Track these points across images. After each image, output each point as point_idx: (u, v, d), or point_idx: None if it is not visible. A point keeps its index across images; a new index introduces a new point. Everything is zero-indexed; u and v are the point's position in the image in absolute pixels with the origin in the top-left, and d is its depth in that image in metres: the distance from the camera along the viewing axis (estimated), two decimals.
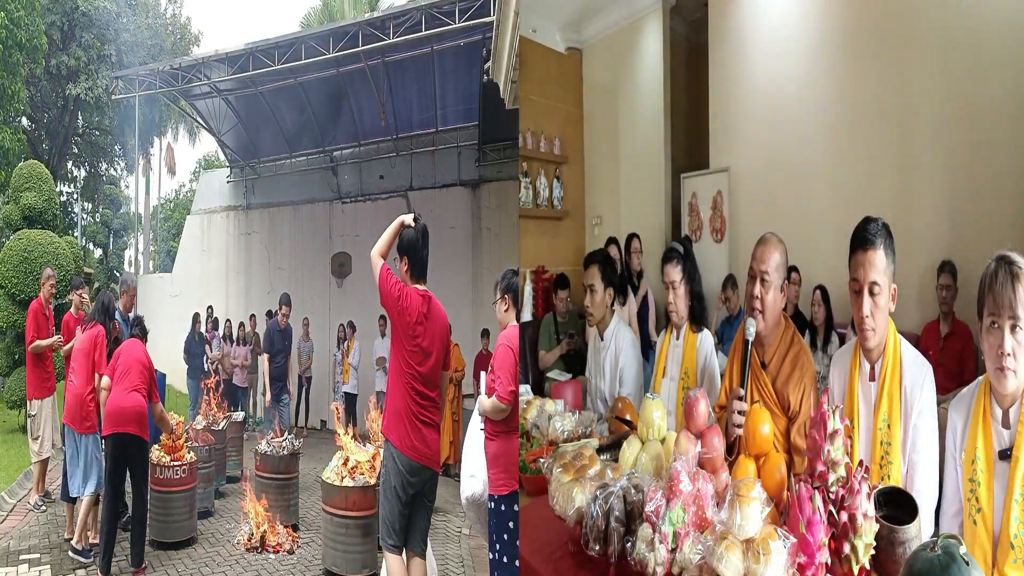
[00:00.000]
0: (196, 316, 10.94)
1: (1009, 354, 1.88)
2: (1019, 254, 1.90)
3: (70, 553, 4.95)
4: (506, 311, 3.57)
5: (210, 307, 11.69)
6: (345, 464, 4.92)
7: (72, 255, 10.85)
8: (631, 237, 5.57)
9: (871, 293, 2.24)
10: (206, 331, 11.10)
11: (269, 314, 11.22)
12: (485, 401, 3.37)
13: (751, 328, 2.54)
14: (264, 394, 8.44)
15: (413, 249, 3.46)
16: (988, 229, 4.24)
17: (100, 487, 4.92)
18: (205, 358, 10.64)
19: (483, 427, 3.49)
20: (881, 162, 4.81)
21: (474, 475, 3.76)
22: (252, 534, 5.45)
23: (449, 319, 3.62)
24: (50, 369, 6.33)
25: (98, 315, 5.20)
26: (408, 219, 3.48)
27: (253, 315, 11.62)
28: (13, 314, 9.04)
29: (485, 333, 8.80)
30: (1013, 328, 1.87)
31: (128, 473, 4.76)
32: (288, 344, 8.57)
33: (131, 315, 5.73)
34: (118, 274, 20.44)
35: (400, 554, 3.46)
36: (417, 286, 3.47)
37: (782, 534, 1.78)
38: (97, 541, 5.08)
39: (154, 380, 4.95)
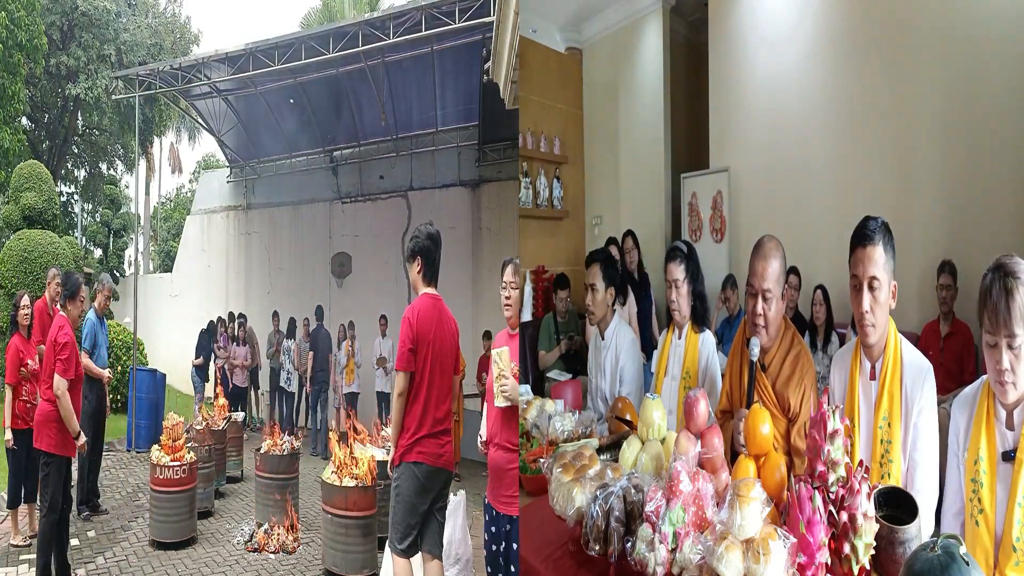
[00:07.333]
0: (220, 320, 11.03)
1: (1007, 370, 1.89)
2: (1018, 254, 1.90)
3: None
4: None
5: (219, 317, 11.70)
6: (343, 465, 4.91)
7: (72, 255, 10.86)
8: (626, 235, 5.54)
9: (870, 288, 2.23)
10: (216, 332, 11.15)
11: (274, 315, 11.15)
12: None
13: (755, 349, 2.51)
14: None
15: (427, 252, 3.56)
16: (988, 229, 4.23)
17: None
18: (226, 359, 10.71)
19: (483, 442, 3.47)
20: (881, 162, 4.81)
21: None
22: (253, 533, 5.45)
23: None
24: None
25: None
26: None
27: (243, 315, 11.56)
28: None
29: (487, 335, 8.75)
30: (1010, 345, 1.87)
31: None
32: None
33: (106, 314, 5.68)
34: (118, 274, 20.40)
35: (407, 560, 3.44)
36: (429, 289, 3.57)
37: (782, 534, 1.77)
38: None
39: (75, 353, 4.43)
